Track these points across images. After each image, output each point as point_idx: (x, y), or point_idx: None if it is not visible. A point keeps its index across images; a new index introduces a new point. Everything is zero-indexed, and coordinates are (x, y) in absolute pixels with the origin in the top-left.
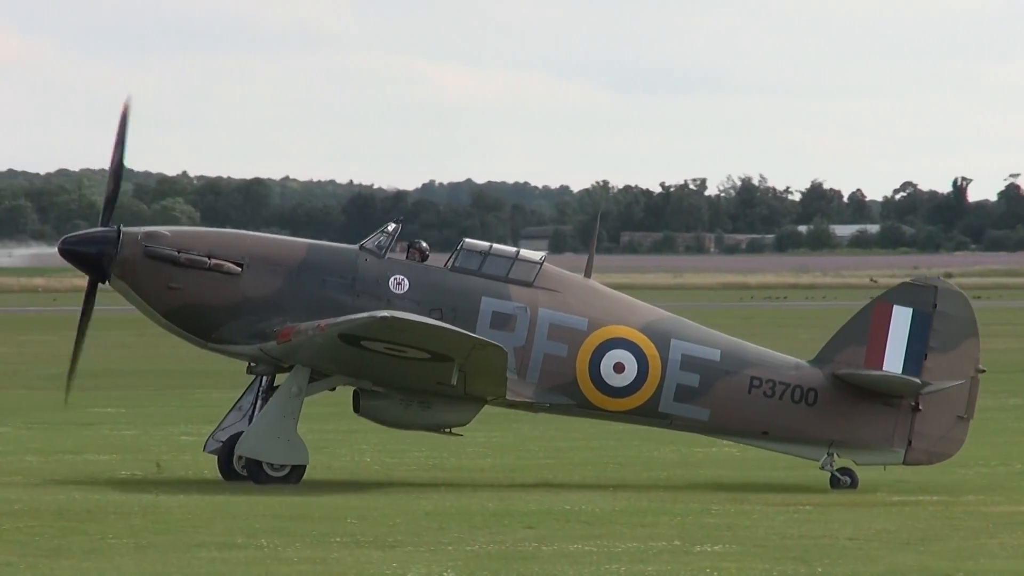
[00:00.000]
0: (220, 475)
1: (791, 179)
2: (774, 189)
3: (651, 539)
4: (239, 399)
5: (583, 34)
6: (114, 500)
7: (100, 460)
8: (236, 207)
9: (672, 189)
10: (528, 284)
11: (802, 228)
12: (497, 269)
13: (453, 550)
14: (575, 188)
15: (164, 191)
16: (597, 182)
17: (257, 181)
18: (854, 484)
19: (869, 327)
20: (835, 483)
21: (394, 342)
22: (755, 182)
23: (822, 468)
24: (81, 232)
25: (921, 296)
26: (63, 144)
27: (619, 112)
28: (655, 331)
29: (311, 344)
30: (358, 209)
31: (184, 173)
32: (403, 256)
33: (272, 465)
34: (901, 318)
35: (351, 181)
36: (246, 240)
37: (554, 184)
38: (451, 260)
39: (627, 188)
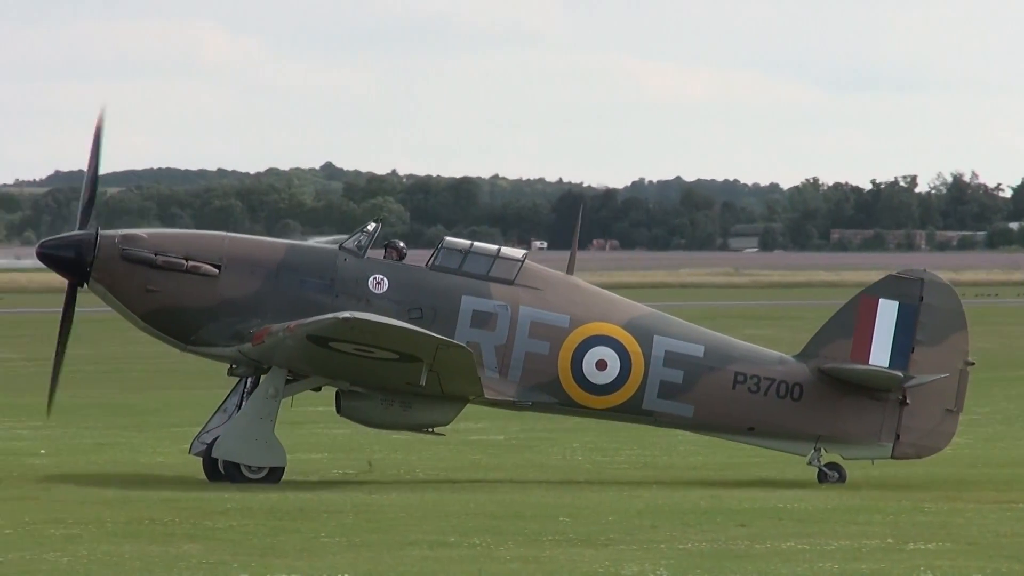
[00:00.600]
0: (205, 477)
1: (1003, 176)
2: (985, 186)
3: (864, 537)
4: (224, 401)
5: (793, 32)
6: (327, 499)
7: (312, 459)
8: (446, 206)
9: (882, 186)
10: (509, 282)
11: (1013, 225)
12: (478, 267)
13: (666, 548)
14: (785, 186)
15: (374, 190)
16: (807, 179)
17: (466, 180)
18: (842, 479)
19: (855, 320)
20: (822, 479)
21: (360, 343)
22: (966, 179)
23: (809, 464)
24: (59, 236)
25: (907, 289)
26: (272, 143)
27: (829, 109)
28: (638, 327)
29: (284, 346)
30: (568, 207)
31: (393, 172)
32: (381, 256)
33: (250, 467)
34: (887, 311)
35: (560, 179)
36: (224, 241)
37: (764, 182)
38: (431, 259)
39: (837, 185)
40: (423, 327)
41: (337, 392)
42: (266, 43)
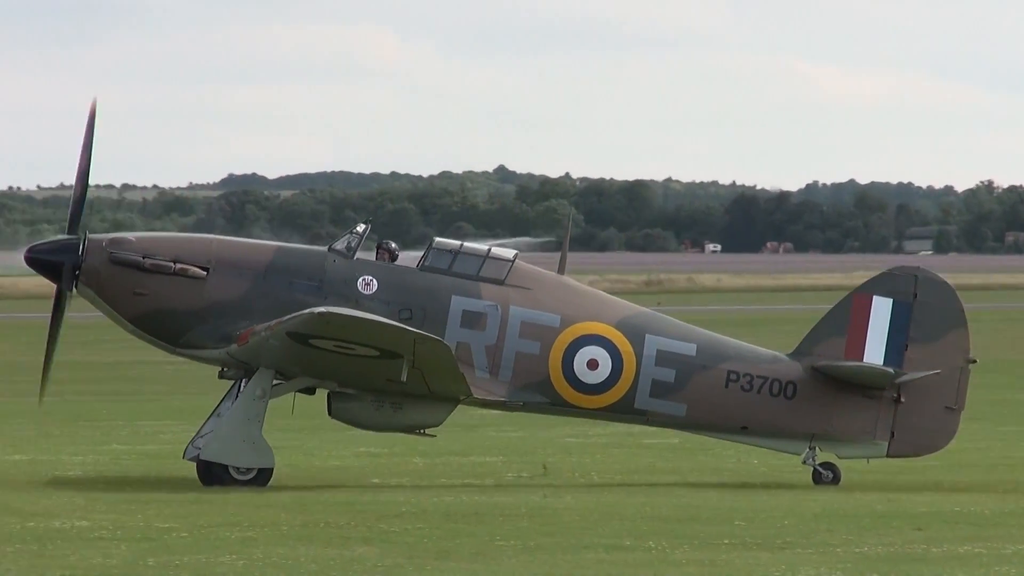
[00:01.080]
0: (200, 482)
1: None
2: None
3: None
4: (217, 406)
5: (968, 32)
6: (501, 502)
7: (486, 462)
8: (619, 209)
9: None
10: (499, 282)
11: None
12: (468, 268)
13: (842, 552)
14: (959, 188)
15: (547, 193)
16: (981, 182)
17: (639, 183)
18: (836, 479)
19: (849, 318)
20: (817, 478)
21: (340, 339)
22: None
23: (804, 463)
24: (46, 240)
25: (901, 286)
26: (445, 146)
27: (1004, 111)
28: (629, 326)
29: (268, 346)
30: (741, 210)
31: (567, 175)
32: (372, 257)
33: (238, 468)
34: (881, 309)
35: (734, 182)
36: (212, 244)
37: (938, 184)
38: (422, 260)
39: (1012, 188)
40: (413, 327)
41: (328, 394)
42: (439, 46)
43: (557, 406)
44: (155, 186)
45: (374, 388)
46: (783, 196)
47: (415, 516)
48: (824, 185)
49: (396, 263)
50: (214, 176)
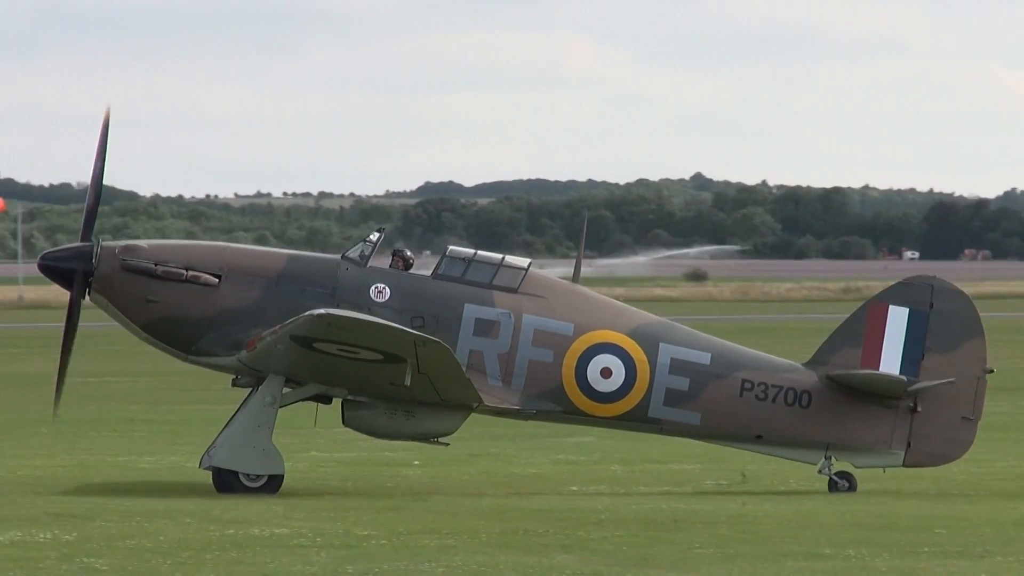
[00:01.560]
0: (216, 491)
1: None
2: None
3: None
4: (233, 415)
5: None
6: (701, 509)
7: (685, 470)
8: (816, 216)
9: None
10: (513, 290)
11: None
12: (481, 276)
13: None
14: None
15: (743, 200)
16: None
17: (836, 190)
18: (852, 488)
19: (864, 328)
20: (833, 487)
21: (342, 342)
22: None
23: (820, 472)
24: (59, 248)
25: (917, 295)
26: (642, 154)
27: None
28: (643, 335)
29: (275, 351)
30: (939, 217)
31: (763, 183)
32: (386, 265)
33: (248, 475)
34: (897, 318)
35: (931, 189)
36: (224, 252)
37: None
38: (436, 268)
39: None
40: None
41: (342, 402)
42: (635, 53)
43: (570, 414)
44: (352, 194)
45: (384, 395)
46: (981, 203)
47: (614, 524)
48: (1022, 192)
49: (410, 271)
50: (411, 184)
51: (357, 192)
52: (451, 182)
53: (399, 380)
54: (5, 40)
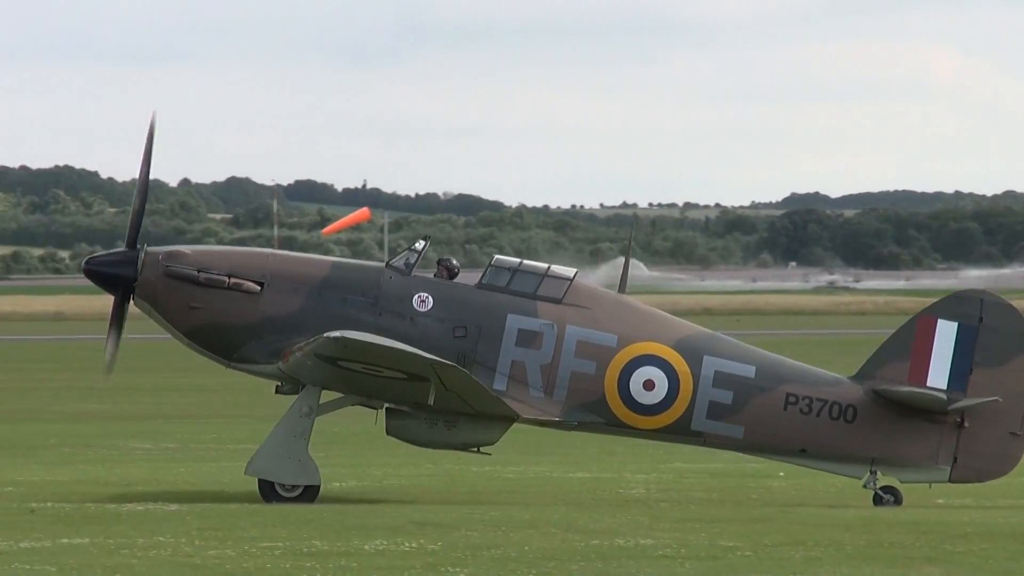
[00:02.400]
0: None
1: None
2: None
3: None
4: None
5: None
6: None
7: None
8: None
9: None
10: (557, 301)
11: None
12: (525, 286)
13: None
14: None
15: None
16: None
17: None
18: (898, 502)
19: (912, 341)
20: (878, 501)
21: (362, 362)
22: None
23: (865, 486)
24: (104, 253)
25: (966, 309)
26: (1010, 165)
27: None
28: (687, 347)
29: (304, 365)
30: None
31: None
32: (431, 274)
33: (283, 485)
34: (945, 332)
35: None
36: (268, 259)
37: None
38: (481, 277)
39: None
40: (467, 346)
41: (385, 411)
42: (1001, 63)
43: (612, 426)
44: (717, 204)
45: (423, 406)
46: None
47: (980, 537)
48: None
49: (455, 280)
50: (776, 195)
51: (723, 203)
52: (817, 193)
53: (423, 399)
54: (370, 51)
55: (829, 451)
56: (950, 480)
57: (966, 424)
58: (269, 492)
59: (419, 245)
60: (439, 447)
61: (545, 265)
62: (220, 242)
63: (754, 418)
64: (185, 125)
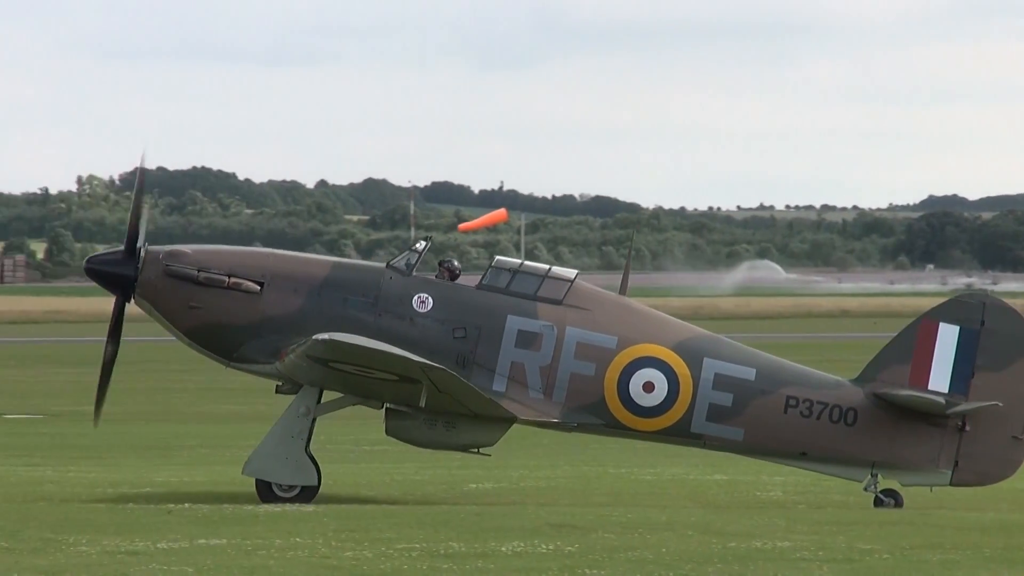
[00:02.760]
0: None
1: None
2: None
3: None
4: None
5: None
6: None
7: None
8: None
9: None
10: (557, 302)
11: None
12: (526, 287)
13: None
14: None
15: None
16: None
17: None
18: (899, 505)
19: (914, 345)
20: (879, 504)
21: (352, 363)
22: None
23: (866, 489)
24: (105, 252)
25: (968, 313)
26: None
27: None
28: (687, 349)
29: (299, 365)
30: None
31: None
32: (432, 275)
33: (280, 486)
34: (947, 336)
35: None
36: (268, 258)
37: None
38: (482, 278)
39: None
40: (467, 347)
41: (384, 411)
42: None
43: (612, 428)
44: (855, 207)
45: (442, 410)
46: None
47: None
48: None
49: (456, 282)
50: (914, 197)
51: (860, 205)
52: (955, 195)
53: (415, 400)
54: (508, 53)
55: (830, 454)
56: (951, 484)
57: (967, 428)
58: (266, 492)
59: (420, 245)
60: (439, 448)
61: (546, 266)
62: (357, 244)
63: (754, 420)
64: (322, 127)
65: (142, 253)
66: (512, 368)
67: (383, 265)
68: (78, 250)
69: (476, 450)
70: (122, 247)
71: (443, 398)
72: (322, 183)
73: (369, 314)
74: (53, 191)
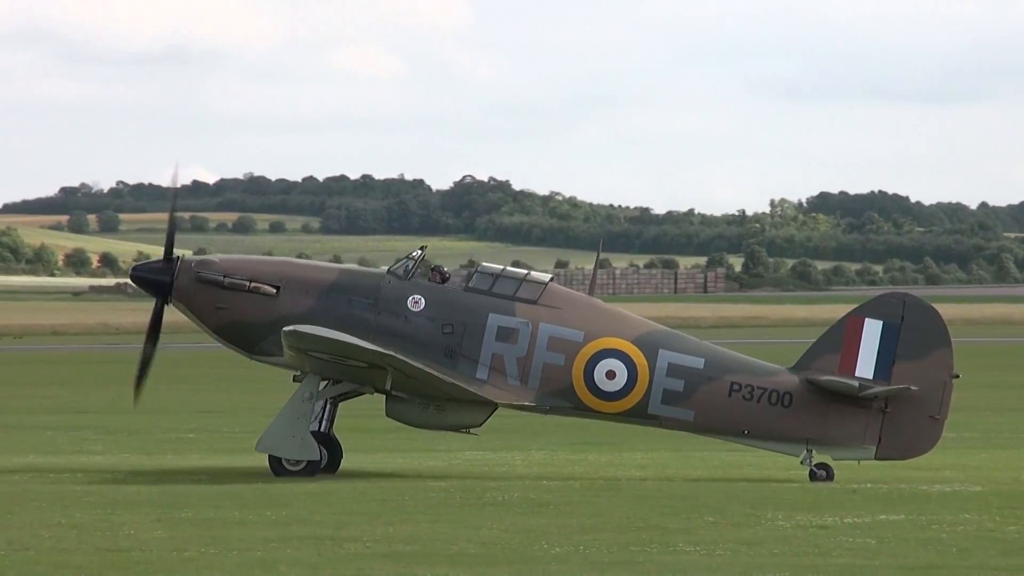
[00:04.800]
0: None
1: None
2: None
3: None
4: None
5: None
6: None
7: None
8: None
9: None
10: (532, 302)
11: None
12: (506, 289)
13: None
14: None
15: None
16: None
17: None
18: (830, 478)
19: (843, 337)
20: (813, 477)
21: (324, 352)
22: None
23: (801, 463)
24: (147, 261)
25: (890, 310)
26: None
27: None
28: (645, 342)
29: (291, 355)
30: None
31: None
32: (425, 280)
33: (288, 460)
34: (872, 329)
35: None
36: (285, 266)
37: None
38: (467, 281)
39: None
40: (454, 340)
41: (386, 396)
42: None
43: (579, 410)
44: None
45: (418, 393)
46: None
47: None
48: None
49: (445, 285)
50: None
51: None
52: None
53: (382, 384)
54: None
55: (769, 433)
56: (876, 458)
57: (889, 409)
58: (277, 466)
59: (415, 254)
60: (432, 428)
61: (524, 271)
62: (1016, 259)
63: (703, 403)
64: (984, 155)
65: (177, 263)
66: (493, 359)
67: (384, 270)
68: (771, 264)
69: (465, 430)
70: (161, 258)
71: (414, 382)
72: (983, 204)
73: (370, 313)
74: (749, 212)
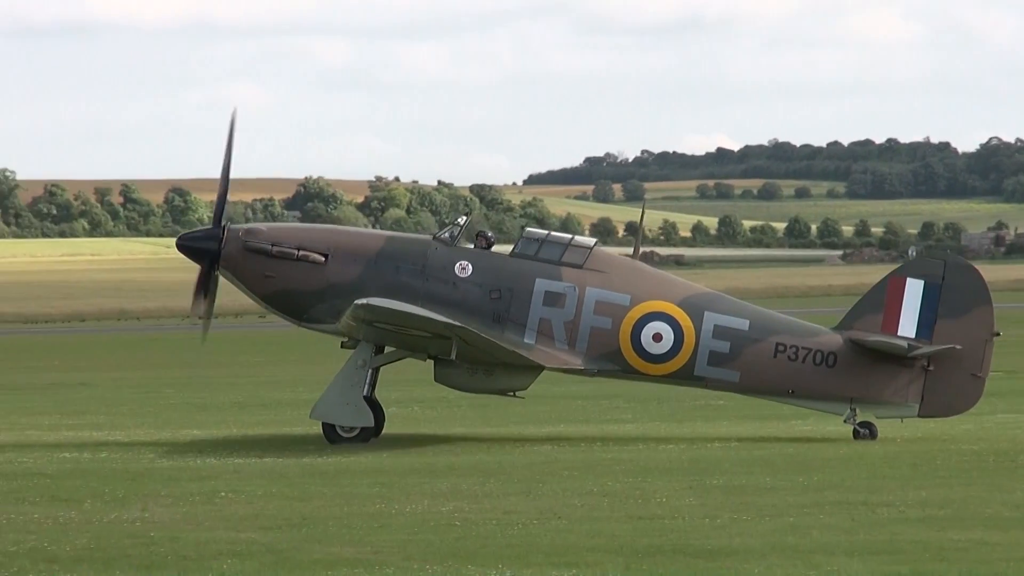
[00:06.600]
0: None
1: None
2: None
3: None
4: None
5: None
6: None
7: None
8: None
9: None
10: (579, 266)
11: None
12: (551, 254)
13: None
14: None
15: None
16: None
17: None
18: (873, 436)
19: (885, 297)
20: (856, 435)
21: (389, 323)
22: None
23: (845, 422)
24: (194, 230)
25: (932, 269)
26: None
27: None
28: (690, 305)
29: (351, 325)
30: None
31: None
32: (471, 245)
33: (343, 427)
34: (913, 289)
35: None
36: (333, 234)
37: None
38: (514, 248)
39: None
40: (502, 306)
41: (434, 361)
42: None
43: (627, 373)
44: None
45: (466, 358)
46: None
47: None
48: None
49: (491, 250)
50: None
51: None
52: None
53: (447, 353)
54: None
55: (814, 392)
56: (919, 415)
57: (931, 368)
58: (332, 434)
59: (461, 220)
60: (480, 391)
61: (569, 236)
62: None
63: (748, 365)
64: None
65: (225, 231)
66: (541, 324)
67: (430, 237)
68: None
69: (512, 393)
70: (208, 227)
71: (473, 350)
72: None
73: (418, 280)
74: None
